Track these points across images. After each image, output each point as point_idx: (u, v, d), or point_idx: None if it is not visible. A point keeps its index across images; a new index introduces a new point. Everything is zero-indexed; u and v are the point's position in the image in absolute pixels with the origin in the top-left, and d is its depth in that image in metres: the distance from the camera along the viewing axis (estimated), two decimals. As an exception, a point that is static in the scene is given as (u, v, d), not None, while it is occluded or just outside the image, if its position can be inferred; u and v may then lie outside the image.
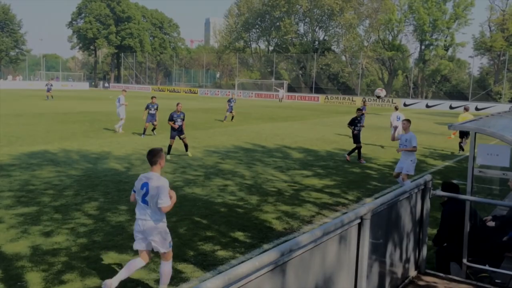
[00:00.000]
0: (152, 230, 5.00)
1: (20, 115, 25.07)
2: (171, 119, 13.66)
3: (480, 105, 49.69)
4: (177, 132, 13.79)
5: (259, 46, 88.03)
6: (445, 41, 64.30)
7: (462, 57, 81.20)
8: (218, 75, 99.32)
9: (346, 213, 8.46)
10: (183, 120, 13.87)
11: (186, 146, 14.20)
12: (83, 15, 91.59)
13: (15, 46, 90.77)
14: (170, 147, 13.81)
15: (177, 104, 13.98)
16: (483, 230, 6.01)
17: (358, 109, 15.28)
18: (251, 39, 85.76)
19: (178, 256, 6.25)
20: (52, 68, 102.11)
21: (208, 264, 6.06)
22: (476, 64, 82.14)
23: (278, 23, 76.95)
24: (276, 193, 10.00)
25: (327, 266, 3.69)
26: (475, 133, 5.43)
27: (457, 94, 63.92)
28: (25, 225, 7.28)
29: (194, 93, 73.24)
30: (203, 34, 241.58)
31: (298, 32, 79.04)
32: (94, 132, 19.33)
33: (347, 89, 70.15)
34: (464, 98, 58.03)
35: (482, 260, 5.54)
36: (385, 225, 4.76)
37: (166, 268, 5.13)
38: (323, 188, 10.64)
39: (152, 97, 18.70)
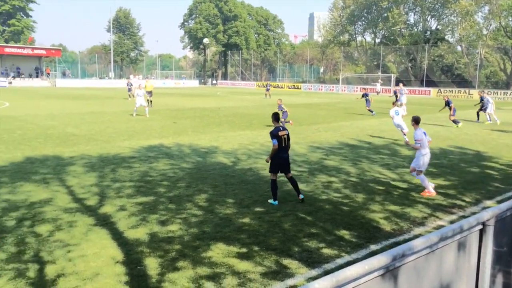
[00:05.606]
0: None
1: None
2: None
3: None
4: None
5: (365, 39, 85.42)
6: None
7: None
8: (321, 70, 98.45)
9: (463, 216, 7.87)
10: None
11: None
12: (193, 16, 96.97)
13: (135, 47, 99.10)
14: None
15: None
16: None
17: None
18: (356, 32, 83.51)
19: (283, 251, 6.30)
20: (166, 67, 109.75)
21: (313, 261, 6.01)
22: None
23: (385, 14, 73.84)
24: (384, 191, 9.61)
25: (444, 275, 3.43)
26: None
27: None
28: (144, 213, 7.90)
29: (298, 88, 73.51)
30: (307, 29, 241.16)
31: (408, 22, 75.07)
32: (203, 127, 20.35)
33: (462, 82, 64.95)
34: None
35: None
36: (511, 232, 4.29)
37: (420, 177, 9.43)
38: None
39: (362, 89, 27.00)
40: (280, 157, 8.50)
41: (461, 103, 42.79)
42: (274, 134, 8.42)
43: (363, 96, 28.76)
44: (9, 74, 67.58)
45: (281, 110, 19.80)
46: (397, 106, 17.74)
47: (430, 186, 9.39)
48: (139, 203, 8.49)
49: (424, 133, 9.46)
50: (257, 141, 16.41)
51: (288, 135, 8.60)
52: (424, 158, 9.39)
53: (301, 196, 8.72)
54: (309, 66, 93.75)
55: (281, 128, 8.56)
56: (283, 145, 8.46)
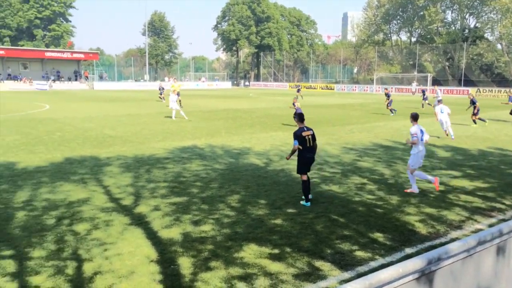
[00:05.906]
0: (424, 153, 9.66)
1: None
2: None
3: None
4: None
5: (400, 38, 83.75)
6: None
7: None
8: (355, 70, 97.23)
9: (503, 219, 7.60)
10: None
11: None
12: (227, 18, 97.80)
13: (169, 50, 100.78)
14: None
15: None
16: None
17: None
18: (391, 31, 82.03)
19: (315, 253, 6.26)
20: (200, 69, 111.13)
21: (346, 264, 5.94)
22: None
23: (422, 12, 72.16)
24: (419, 194, 9.38)
25: (482, 280, 3.32)
26: None
27: None
28: (177, 213, 8.02)
29: (331, 89, 72.87)
30: (340, 29, 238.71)
31: (445, 20, 73.09)
32: (236, 128, 20.47)
33: (503, 81, 62.69)
34: None
35: None
36: (555, 238, 4.10)
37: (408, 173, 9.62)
38: (474, 190, 9.66)
39: (384, 89, 27.36)
40: (305, 157, 8.59)
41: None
42: (297, 135, 8.48)
43: (386, 95, 29.68)
44: (49, 78, 70.10)
45: (294, 107, 20.64)
46: (442, 104, 18.23)
47: (415, 186, 9.55)
48: (172, 203, 8.63)
49: (422, 131, 9.60)
50: (289, 142, 16.35)
51: (313, 135, 8.65)
52: (418, 156, 9.51)
53: (310, 196, 8.75)
54: (343, 66, 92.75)
55: (305, 129, 8.62)
56: (308, 145, 8.53)
